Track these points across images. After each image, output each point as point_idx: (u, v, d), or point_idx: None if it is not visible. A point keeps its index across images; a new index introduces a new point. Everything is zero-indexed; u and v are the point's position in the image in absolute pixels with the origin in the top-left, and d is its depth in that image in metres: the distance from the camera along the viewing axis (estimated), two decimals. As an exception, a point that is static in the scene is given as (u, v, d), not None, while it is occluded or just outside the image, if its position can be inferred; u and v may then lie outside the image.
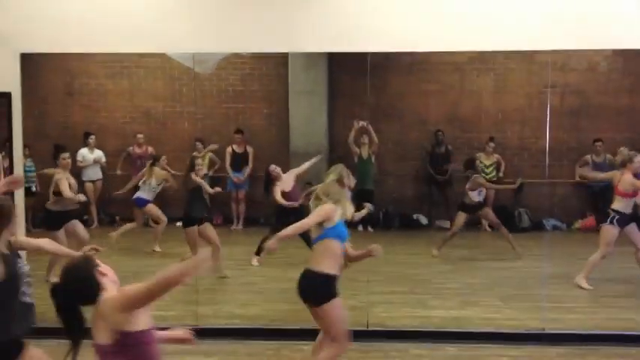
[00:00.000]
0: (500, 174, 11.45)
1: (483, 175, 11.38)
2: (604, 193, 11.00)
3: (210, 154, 11.55)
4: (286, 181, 9.18)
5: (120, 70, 11.81)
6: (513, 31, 6.03)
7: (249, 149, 11.52)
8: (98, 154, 11.42)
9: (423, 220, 11.52)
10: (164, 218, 9.90)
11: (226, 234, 11.13)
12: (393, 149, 11.60)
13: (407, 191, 11.44)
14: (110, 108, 12.02)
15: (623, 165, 7.58)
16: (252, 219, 11.51)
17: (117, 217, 11.89)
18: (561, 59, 11.14)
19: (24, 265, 3.91)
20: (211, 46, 6.73)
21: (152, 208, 9.93)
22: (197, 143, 11.41)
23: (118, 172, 11.62)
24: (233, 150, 11.45)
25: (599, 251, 7.44)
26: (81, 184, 11.33)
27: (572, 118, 11.44)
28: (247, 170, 11.49)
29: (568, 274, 8.01)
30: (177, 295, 7.19)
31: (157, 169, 9.97)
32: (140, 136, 11.56)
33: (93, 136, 11.39)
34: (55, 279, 7.60)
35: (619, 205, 7.41)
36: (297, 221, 8.31)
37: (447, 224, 11.45)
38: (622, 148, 8.26)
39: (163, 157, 10.29)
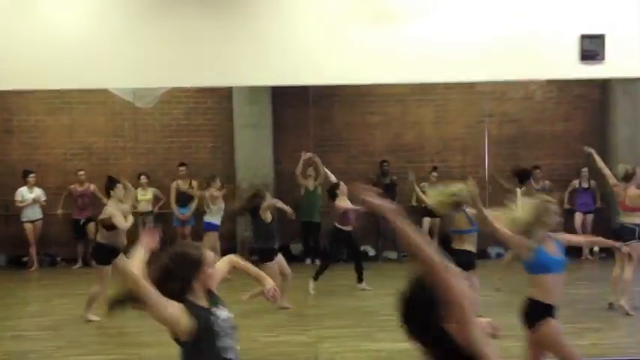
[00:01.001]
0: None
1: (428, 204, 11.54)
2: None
3: (154, 189, 11.39)
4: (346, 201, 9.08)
5: (60, 105, 11.61)
6: (452, 62, 6.17)
7: (194, 184, 11.40)
8: (37, 192, 11.13)
9: (371, 252, 11.57)
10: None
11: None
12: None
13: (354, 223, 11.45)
14: (51, 144, 11.77)
15: (627, 180, 7.62)
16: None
17: (58, 258, 11.57)
18: (499, 89, 11.49)
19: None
20: (153, 80, 6.69)
21: (212, 236, 10.00)
22: (142, 177, 11.25)
23: (59, 211, 11.34)
24: (178, 185, 11.31)
25: (628, 269, 7.36)
26: (20, 224, 11.05)
27: (511, 146, 11.76)
28: (193, 205, 11.35)
29: (512, 303, 8.11)
30: (120, 338, 7.05)
31: (212, 191, 9.94)
32: (81, 172, 11.33)
33: (32, 175, 11.11)
34: (93, 317, 7.44)
35: (635, 219, 7.42)
36: (349, 245, 8.31)
37: (394, 255, 11.54)
38: (621, 164, 8.23)
39: (217, 178, 10.13)
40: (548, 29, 6.01)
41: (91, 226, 11.27)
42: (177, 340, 3.11)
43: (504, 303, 7.51)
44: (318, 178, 10.95)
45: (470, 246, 6.68)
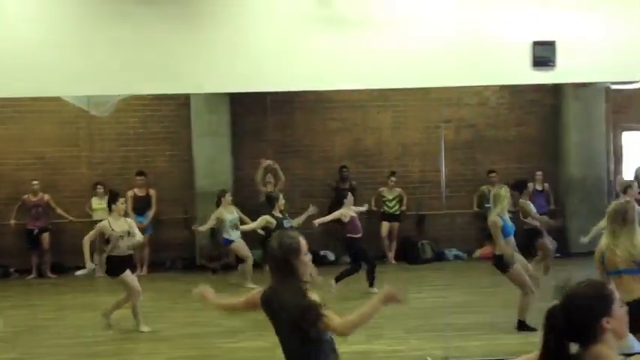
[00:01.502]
0: (403, 207, 11.75)
1: (386, 209, 11.67)
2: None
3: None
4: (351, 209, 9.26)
5: (11, 114, 11.36)
6: (408, 68, 6.24)
7: (152, 192, 11.28)
8: (-11, 203, 10.88)
9: (330, 257, 11.61)
10: (249, 254, 9.78)
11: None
12: (300, 186, 11.69)
13: (315, 228, 11.48)
14: (2, 154, 11.50)
15: (624, 192, 7.82)
16: (157, 264, 11.24)
17: (11, 269, 11.31)
18: (455, 95, 11.67)
19: None
20: (107, 88, 6.59)
21: (235, 247, 9.89)
22: (98, 187, 11.09)
23: (12, 222, 11.09)
24: (135, 194, 11.18)
25: None
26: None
27: (468, 150, 11.95)
28: (151, 214, 11.24)
29: (470, 303, 8.27)
30: (75, 348, 6.92)
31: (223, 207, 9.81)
32: (35, 182, 11.09)
33: (-17, 185, 10.85)
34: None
35: None
36: (358, 252, 9.13)
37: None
38: (619, 176, 8.41)
39: (228, 193, 10.00)
40: (501, 36, 6.12)
41: (46, 236, 11.07)
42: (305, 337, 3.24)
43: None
44: (278, 185, 10.95)
45: None
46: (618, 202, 5.36)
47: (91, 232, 7.63)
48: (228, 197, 9.95)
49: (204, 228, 9.70)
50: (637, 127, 12.21)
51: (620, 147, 12.28)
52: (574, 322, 2.24)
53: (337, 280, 9.01)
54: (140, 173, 11.23)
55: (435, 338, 6.88)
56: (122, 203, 7.76)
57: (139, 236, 7.65)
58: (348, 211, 9.22)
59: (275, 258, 3.30)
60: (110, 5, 6.15)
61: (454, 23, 6.15)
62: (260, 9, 6.27)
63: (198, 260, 11.32)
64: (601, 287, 2.37)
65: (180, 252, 11.51)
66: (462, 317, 7.64)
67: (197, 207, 11.22)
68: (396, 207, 11.70)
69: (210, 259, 11.14)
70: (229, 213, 9.81)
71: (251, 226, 9.29)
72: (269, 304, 3.35)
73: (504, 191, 7.15)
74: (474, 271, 10.71)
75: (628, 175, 11.92)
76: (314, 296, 3.24)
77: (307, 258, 3.32)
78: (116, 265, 7.48)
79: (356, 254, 9.30)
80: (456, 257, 11.75)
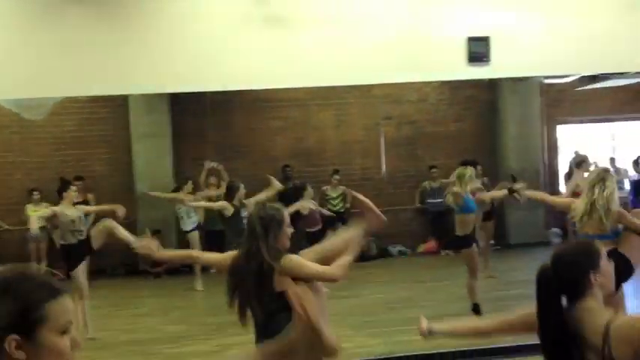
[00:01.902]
0: (347, 205, 11.79)
1: (330, 207, 11.69)
2: (442, 216, 11.71)
3: (47, 205, 10.90)
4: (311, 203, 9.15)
5: (-60, 120, 10.92)
6: (347, 66, 6.27)
7: (90, 197, 11.00)
8: None
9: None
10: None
11: (69, 288, 10.53)
12: (243, 186, 11.56)
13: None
14: None
15: (578, 166, 8.01)
16: (97, 271, 10.95)
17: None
18: (395, 92, 11.78)
19: None
20: (41, 91, 6.42)
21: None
22: (34, 193, 10.76)
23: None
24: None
25: None
26: None
27: (409, 147, 12.09)
28: (90, 219, 10.95)
29: (413, 297, 8.36)
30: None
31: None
32: (-32, 189, 10.70)
33: None
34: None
35: None
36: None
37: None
38: (576, 152, 8.58)
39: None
40: (437, 33, 6.22)
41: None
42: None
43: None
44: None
45: None
46: (599, 168, 5.56)
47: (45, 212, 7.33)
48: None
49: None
50: (571, 120, 12.59)
51: (556, 140, 12.64)
52: (564, 278, 2.31)
53: None
54: (78, 178, 10.91)
55: (380, 334, 6.93)
56: (74, 191, 7.42)
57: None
58: (308, 204, 9.14)
59: (255, 227, 3.29)
60: (43, 6, 5.98)
61: (391, 21, 6.21)
62: (198, 8, 6.20)
63: (140, 265, 11.11)
64: (588, 244, 2.47)
65: (121, 258, 11.25)
66: (407, 312, 7.71)
67: (138, 210, 11.00)
68: (340, 205, 11.73)
69: (153, 264, 10.94)
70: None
71: (209, 204, 9.11)
72: (236, 270, 3.36)
73: (469, 171, 7.18)
74: (418, 265, 10.87)
75: (563, 166, 12.29)
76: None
77: (289, 230, 3.38)
78: (68, 256, 7.19)
79: None
80: (400, 253, 11.87)
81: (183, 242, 10.00)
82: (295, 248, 3.60)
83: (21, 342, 1.40)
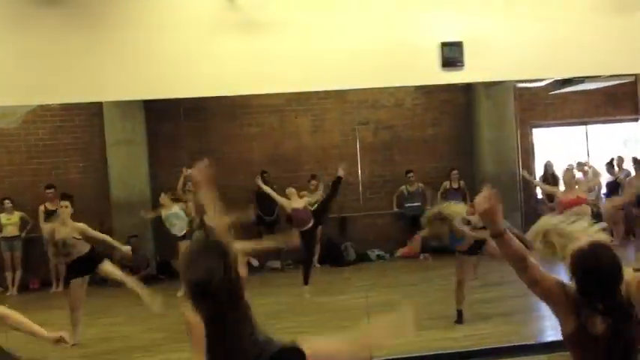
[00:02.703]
0: (325, 210, 11.79)
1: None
2: (418, 220, 11.75)
3: (20, 213, 10.78)
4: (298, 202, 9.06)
5: None
6: (322, 71, 6.25)
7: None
8: None
9: (254, 262, 11.52)
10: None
11: (45, 298, 10.40)
12: (220, 193, 11.49)
13: (236, 234, 11.36)
14: None
15: None
16: (73, 279, 10.86)
17: None
18: (371, 97, 11.83)
19: None
20: (14, 99, 6.30)
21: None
22: (6, 202, 10.62)
23: None
24: (46, 207, 10.75)
25: None
26: None
27: (386, 152, 12.14)
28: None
29: (392, 301, 8.36)
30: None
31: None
32: (-61, 199, 10.52)
33: None
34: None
35: None
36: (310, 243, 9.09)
37: (277, 264, 11.56)
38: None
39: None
40: (411, 38, 6.23)
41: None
42: None
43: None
44: (199, 193, 10.75)
45: None
46: None
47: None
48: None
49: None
50: (545, 123, 12.73)
51: (531, 143, 12.77)
52: None
53: (306, 282, 8.92)
54: (49, 186, 10.81)
55: (359, 339, 6.91)
56: (64, 206, 7.58)
57: None
58: (292, 203, 9.11)
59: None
60: (15, 13, 5.89)
61: (366, 26, 6.22)
62: (173, 14, 6.15)
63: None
64: None
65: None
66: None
67: (113, 218, 10.90)
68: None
69: (129, 272, 10.83)
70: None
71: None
72: None
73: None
74: (396, 270, 10.90)
75: (539, 169, 12.42)
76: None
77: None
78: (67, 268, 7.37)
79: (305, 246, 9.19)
80: (379, 257, 11.89)
81: (166, 248, 9.92)
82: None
83: None
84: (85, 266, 7.31)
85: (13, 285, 10.59)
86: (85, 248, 7.35)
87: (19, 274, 10.68)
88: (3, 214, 10.69)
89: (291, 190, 9.32)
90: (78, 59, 5.96)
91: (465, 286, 7.37)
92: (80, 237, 7.32)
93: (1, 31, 5.85)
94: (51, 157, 11.27)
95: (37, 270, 10.83)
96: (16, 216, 10.74)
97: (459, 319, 7.31)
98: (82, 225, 7.42)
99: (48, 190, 10.79)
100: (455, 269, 7.45)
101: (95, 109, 11.06)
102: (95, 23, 6.02)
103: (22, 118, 9.71)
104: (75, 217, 10.89)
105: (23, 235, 10.81)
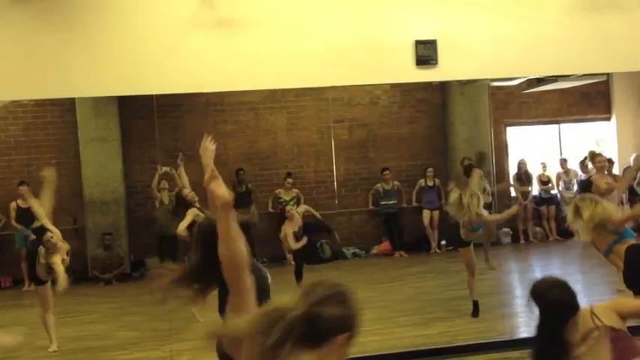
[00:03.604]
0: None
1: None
2: (394, 218, 11.82)
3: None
4: (297, 221, 8.93)
5: None
6: (297, 69, 6.25)
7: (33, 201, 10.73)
8: None
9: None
10: None
11: (17, 296, 10.25)
12: (195, 191, 11.41)
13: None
14: None
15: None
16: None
17: None
18: (347, 95, 11.84)
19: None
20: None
21: None
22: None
23: None
24: (18, 205, 10.60)
25: None
26: None
27: (362, 149, 12.16)
28: (38, 225, 10.69)
29: (367, 299, 8.39)
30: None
31: None
32: None
33: None
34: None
35: None
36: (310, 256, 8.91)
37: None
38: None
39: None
40: (385, 35, 6.25)
41: None
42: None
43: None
44: (174, 191, 10.69)
45: None
46: None
47: None
48: None
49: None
50: (518, 122, 12.84)
51: (505, 141, 12.86)
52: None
53: (298, 280, 8.87)
54: (22, 183, 10.66)
55: (334, 336, 6.92)
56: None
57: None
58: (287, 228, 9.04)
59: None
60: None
61: (341, 23, 6.22)
62: (145, 10, 6.09)
63: (90, 272, 10.87)
64: None
65: (70, 264, 11.00)
66: (362, 313, 7.74)
67: (86, 216, 10.79)
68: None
69: (103, 270, 10.74)
70: None
71: (184, 223, 8.78)
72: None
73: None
74: (372, 267, 10.93)
75: (513, 168, 12.53)
76: None
77: None
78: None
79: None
80: (355, 255, 11.90)
81: (141, 246, 9.81)
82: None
83: None
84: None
85: (-17, 284, 10.44)
86: None
87: (-8, 272, 10.53)
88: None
89: (290, 213, 9.22)
90: (51, 55, 5.89)
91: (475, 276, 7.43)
92: None
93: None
94: (23, 153, 11.11)
95: (8, 268, 10.66)
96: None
97: (475, 311, 7.35)
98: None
99: (20, 187, 10.64)
100: (464, 263, 7.47)
101: (68, 106, 10.92)
102: (68, 19, 5.95)
103: (-7, 114, 9.58)
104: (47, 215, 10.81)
105: (-5, 232, 10.66)
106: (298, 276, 9.08)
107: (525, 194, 12.33)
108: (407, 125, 12.36)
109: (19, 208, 10.61)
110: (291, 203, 11.67)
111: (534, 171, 12.61)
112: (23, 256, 10.55)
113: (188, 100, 11.08)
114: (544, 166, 12.66)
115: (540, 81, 9.67)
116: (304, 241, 8.74)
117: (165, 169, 10.28)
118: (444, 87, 12.00)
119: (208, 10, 6.14)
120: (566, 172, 12.43)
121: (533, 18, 6.46)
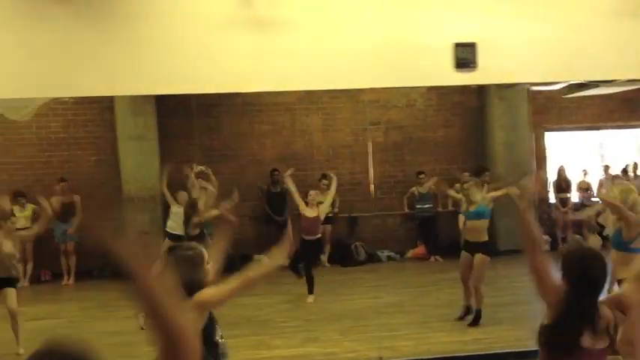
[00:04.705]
0: (336, 209, 11.77)
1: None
2: (429, 222, 11.71)
3: (33, 206, 10.82)
4: (314, 211, 8.94)
5: None
6: (335, 70, 6.22)
7: (76, 198, 10.93)
8: None
9: (265, 261, 11.49)
10: None
11: (56, 290, 10.45)
12: (230, 190, 11.52)
13: (246, 232, 11.38)
14: None
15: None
16: (84, 272, 10.88)
17: None
18: (383, 97, 11.79)
19: None
20: (28, 91, 6.31)
21: None
22: (19, 198, 10.67)
23: None
24: (59, 201, 10.80)
25: None
26: None
27: (397, 152, 12.09)
28: (76, 221, 10.89)
29: (401, 303, 8.34)
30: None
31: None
32: (-49, 191, 10.59)
33: None
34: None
35: None
36: (316, 254, 8.89)
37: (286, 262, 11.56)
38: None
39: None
40: (424, 38, 6.18)
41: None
42: None
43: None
44: (209, 189, 10.80)
45: None
46: None
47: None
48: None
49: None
50: (558, 127, 12.63)
51: (544, 147, 12.67)
52: None
53: (310, 291, 8.82)
54: (61, 179, 10.88)
55: (368, 339, 6.90)
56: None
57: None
58: (306, 211, 8.95)
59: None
60: (30, 6, 5.90)
61: (379, 25, 6.18)
62: (187, 9, 6.14)
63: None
64: None
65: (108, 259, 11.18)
66: (395, 317, 7.71)
67: (125, 212, 10.93)
68: (329, 209, 11.70)
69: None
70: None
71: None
72: None
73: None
74: (406, 271, 10.86)
75: (552, 174, 12.33)
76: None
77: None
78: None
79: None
80: (389, 258, 11.86)
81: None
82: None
83: None
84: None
85: (25, 277, 10.65)
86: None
87: (30, 266, 10.75)
88: (16, 207, 10.73)
89: (312, 198, 9.18)
90: (91, 53, 5.97)
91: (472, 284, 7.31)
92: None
93: (15, 25, 5.87)
94: (63, 150, 11.33)
95: (48, 262, 10.88)
96: (29, 209, 10.80)
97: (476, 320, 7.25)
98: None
99: (61, 183, 10.87)
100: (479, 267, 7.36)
101: (107, 104, 11.10)
102: (108, 18, 6.03)
103: (35, 111, 9.73)
104: (85, 211, 11.00)
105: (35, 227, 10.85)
106: (294, 269, 8.97)
107: (564, 201, 12.12)
108: (443, 128, 12.25)
109: (59, 204, 10.82)
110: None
111: (574, 178, 12.39)
112: (62, 251, 10.80)
113: (225, 100, 11.16)
114: (585, 173, 12.42)
115: (582, 86, 9.50)
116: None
117: (200, 167, 10.38)
118: (481, 90, 11.87)
119: (246, 11, 6.16)
120: (610, 178, 12.16)
121: (575, 22, 6.34)
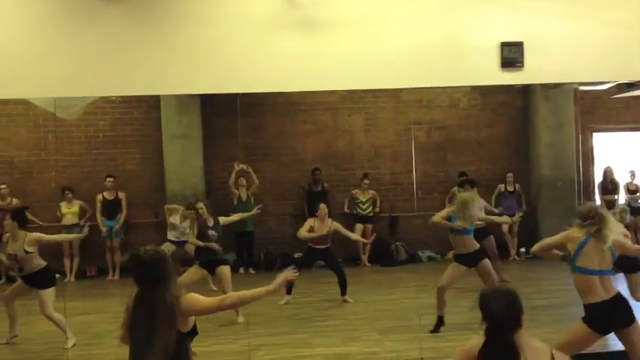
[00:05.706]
0: (377, 209, 11.76)
1: (359, 211, 11.66)
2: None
3: (80, 202, 11.09)
4: (326, 225, 8.94)
5: (-22, 118, 11.16)
6: (378, 70, 6.22)
7: (122, 195, 11.16)
8: (-45, 208, 10.64)
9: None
10: None
11: (102, 286, 10.67)
12: (272, 189, 11.65)
13: (287, 231, 11.46)
14: (-31, 158, 11.29)
15: None
16: (128, 268, 11.07)
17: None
18: (426, 97, 11.72)
19: None
20: (77, 90, 6.47)
21: None
22: (66, 193, 10.94)
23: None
24: (104, 197, 11.05)
25: None
26: None
27: (439, 152, 12.01)
28: (121, 217, 11.11)
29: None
30: (47, 353, 6.77)
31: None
32: (3, 187, 10.91)
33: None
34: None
35: None
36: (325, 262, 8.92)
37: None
38: None
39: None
40: (470, 37, 6.15)
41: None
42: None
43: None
44: (251, 188, 10.94)
45: None
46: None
47: None
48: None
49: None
50: (605, 128, 12.38)
51: (591, 148, 12.43)
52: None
53: (343, 293, 8.82)
54: (110, 175, 11.13)
55: (409, 339, 6.88)
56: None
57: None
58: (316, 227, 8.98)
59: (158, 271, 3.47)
60: (79, 6, 6.05)
61: (424, 24, 6.16)
62: (231, 10, 6.21)
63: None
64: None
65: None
66: (435, 318, 7.65)
67: (168, 211, 11.10)
68: (369, 209, 11.71)
69: (183, 263, 11.02)
70: None
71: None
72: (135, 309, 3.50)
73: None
74: (447, 271, 10.75)
75: (598, 176, 12.10)
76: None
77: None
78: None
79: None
80: (430, 258, 11.78)
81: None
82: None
83: None
84: (36, 282, 7.02)
85: (71, 272, 10.91)
86: (38, 263, 7.06)
87: (76, 261, 10.99)
88: (63, 203, 11.01)
89: (321, 211, 9.13)
90: (138, 53, 6.09)
91: (445, 293, 7.33)
92: (32, 250, 6.97)
93: (65, 25, 6.01)
94: (109, 148, 11.56)
95: (94, 258, 11.12)
96: (76, 205, 11.06)
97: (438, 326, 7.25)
98: (35, 235, 7.06)
99: (109, 179, 11.10)
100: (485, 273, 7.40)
101: (153, 103, 11.29)
102: (156, 19, 6.14)
103: (83, 109, 9.97)
104: (131, 208, 11.22)
105: (82, 223, 11.11)
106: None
107: (611, 203, 11.86)
108: (486, 128, 12.12)
109: (104, 200, 11.06)
110: (367, 205, 11.67)
111: (621, 179, 12.13)
112: (107, 247, 11.03)
113: (268, 99, 11.24)
114: (632, 175, 12.14)
115: (630, 86, 9.29)
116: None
117: (241, 165, 10.49)
118: (526, 90, 11.71)
119: (292, 11, 6.20)
120: None
121: (624, 21, 6.23)
